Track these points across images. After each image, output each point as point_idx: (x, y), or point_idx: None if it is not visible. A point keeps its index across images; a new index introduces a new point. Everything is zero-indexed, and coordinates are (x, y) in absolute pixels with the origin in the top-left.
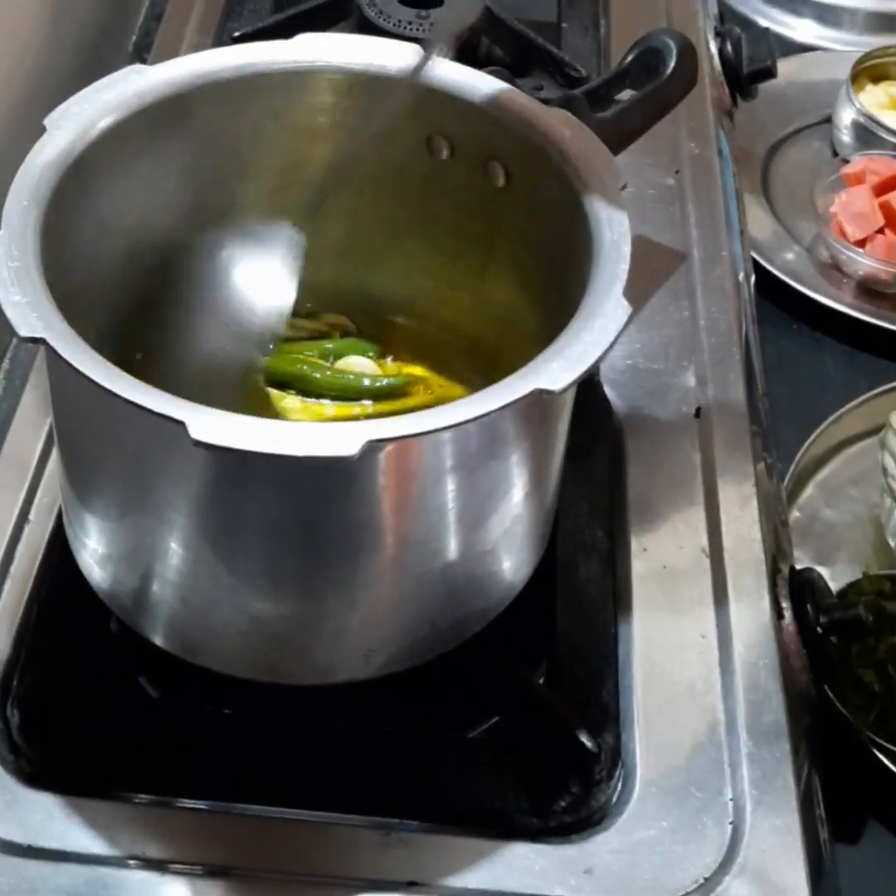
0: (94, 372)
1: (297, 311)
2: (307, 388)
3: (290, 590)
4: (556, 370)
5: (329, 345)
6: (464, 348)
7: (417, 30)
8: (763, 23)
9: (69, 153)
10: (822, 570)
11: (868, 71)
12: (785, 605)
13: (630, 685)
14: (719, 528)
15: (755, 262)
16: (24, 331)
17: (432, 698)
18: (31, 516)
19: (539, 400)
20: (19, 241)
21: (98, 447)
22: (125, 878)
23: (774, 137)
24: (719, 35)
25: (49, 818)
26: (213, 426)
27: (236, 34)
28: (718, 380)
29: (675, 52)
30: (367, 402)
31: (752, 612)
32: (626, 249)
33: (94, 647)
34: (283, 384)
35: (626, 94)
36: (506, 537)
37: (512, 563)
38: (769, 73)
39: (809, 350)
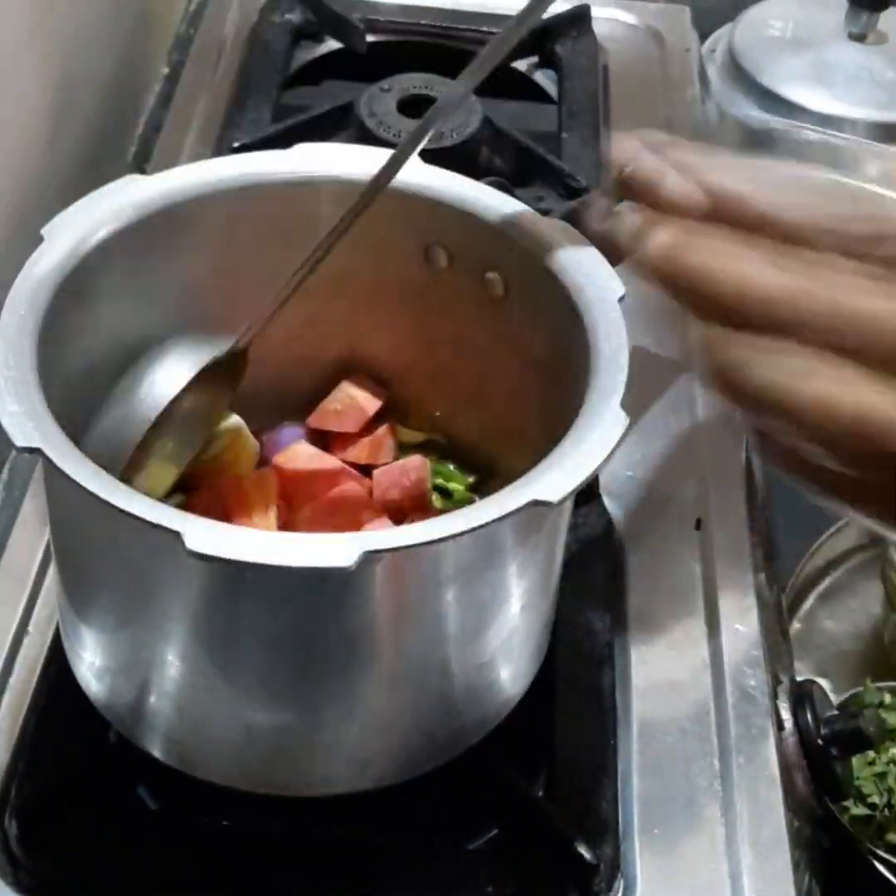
0: (90, 482)
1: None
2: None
3: (286, 700)
4: (553, 481)
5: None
6: (461, 457)
7: None
8: None
9: (66, 263)
10: (823, 682)
11: None
12: (785, 716)
13: (630, 797)
14: (720, 640)
15: None
16: (20, 440)
17: (431, 810)
18: (31, 628)
19: (536, 511)
20: (16, 351)
21: (94, 557)
22: None
23: None
24: None
25: None
26: (210, 537)
27: (236, 144)
28: (719, 491)
29: None
30: None
31: (752, 724)
32: (624, 361)
33: (93, 758)
34: None
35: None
36: (504, 648)
37: (510, 674)
38: None
39: None
